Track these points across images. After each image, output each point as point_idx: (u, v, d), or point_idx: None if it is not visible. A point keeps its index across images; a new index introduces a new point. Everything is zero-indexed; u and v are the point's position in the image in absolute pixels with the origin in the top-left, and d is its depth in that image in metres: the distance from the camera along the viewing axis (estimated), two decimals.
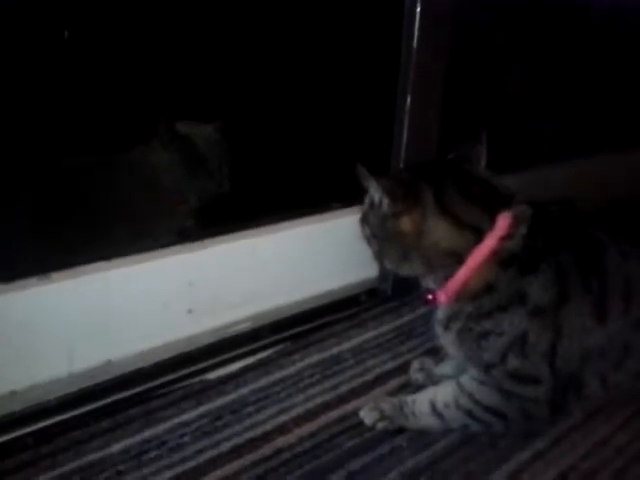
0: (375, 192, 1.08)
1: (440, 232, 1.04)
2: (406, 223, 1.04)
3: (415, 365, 1.28)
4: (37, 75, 1.28)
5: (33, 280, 1.12)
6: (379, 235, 1.10)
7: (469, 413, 1.09)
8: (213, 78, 1.51)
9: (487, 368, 1.06)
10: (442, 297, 1.08)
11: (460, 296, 1.05)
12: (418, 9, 1.34)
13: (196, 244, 1.31)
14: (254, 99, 1.53)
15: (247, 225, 1.39)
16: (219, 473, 1.03)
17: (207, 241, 1.33)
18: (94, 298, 1.17)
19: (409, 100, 1.40)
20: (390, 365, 1.32)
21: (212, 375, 1.26)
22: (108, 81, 1.38)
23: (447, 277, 1.06)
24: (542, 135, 1.99)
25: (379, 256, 1.13)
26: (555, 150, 2.03)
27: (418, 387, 1.22)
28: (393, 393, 1.23)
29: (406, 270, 1.11)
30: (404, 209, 1.04)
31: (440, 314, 1.11)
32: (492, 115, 1.78)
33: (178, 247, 1.29)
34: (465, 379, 1.10)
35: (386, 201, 1.05)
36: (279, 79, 1.54)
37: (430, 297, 1.12)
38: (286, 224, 1.44)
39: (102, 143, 1.39)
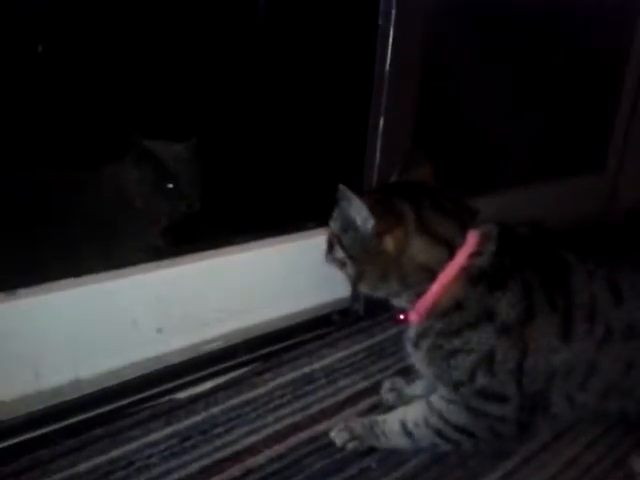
0: (358, 212, 1.04)
1: (418, 248, 1.04)
2: (389, 242, 1.03)
3: (386, 385, 1.29)
4: (6, 88, 1.27)
5: None
6: (357, 257, 1.07)
7: (438, 432, 1.09)
8: (184, 97, 1.51)
9: (456, 386, 1.06)
10: (413, 316, 1.09)
11: (431, 314, 1.06)
12: (391, 31, 1.36)
13: (166, 262, 1.31)
14: (227, 118, 1.54)
15: (219, 243, 1.38)
16: None
17: (177, 259, 1.32)
18: (62, 315, 1.16)
19: (382, 121, 1.41)
20: (361, 385, 1.32)
21: (182, 395, 1.25)
22: (79, 97, 1.38)
23: (419, 295, 1.06)
24: (510, 157, 2.03)
25: (356, 279, 1.10)
26: (524, 173, 2.07)
27: (389, 407, 1.22)
28: (364, 413, 1.23)
29: (382, 291, 1.10)
30: (388, 228, 1.03)
31: (411, 332, 1.11)
32: (462, 136, 1.81)
33: (148, 265, 1.28)
34: (435, 398, 1.11)
35: (371, 221, 1.02)
36: (252, 100, 1.56)
37: (402, 317, 1.12)
38: (258, 243, 1.44)
39: (71, 159, 1.38)
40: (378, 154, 1.44)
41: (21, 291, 1.12)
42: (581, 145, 2.23)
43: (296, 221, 1.50)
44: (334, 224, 1.12)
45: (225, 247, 1.39)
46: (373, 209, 1.02)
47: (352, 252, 1.08)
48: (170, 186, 1.45)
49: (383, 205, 1.04)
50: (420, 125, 1.49)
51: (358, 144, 1.47)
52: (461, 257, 1.03)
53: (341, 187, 1.04)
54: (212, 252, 1.37)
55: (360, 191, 1.08)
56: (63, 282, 1.17)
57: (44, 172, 1.36)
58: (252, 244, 1.43)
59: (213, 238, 1.40)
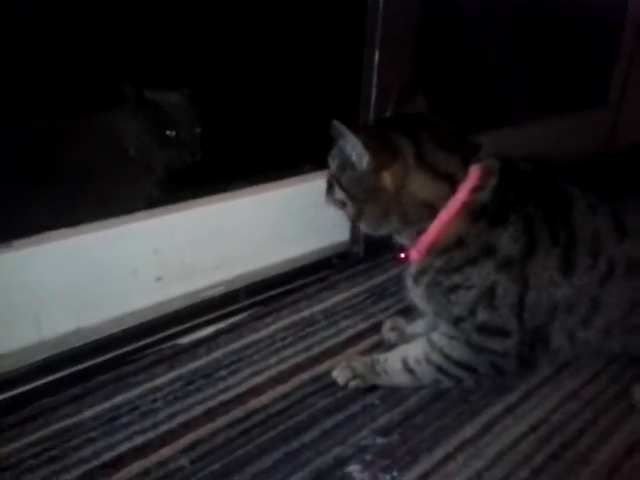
0: (353, 149, 1.02)
1: (418, 183, 1.02)
2: (387, 178, 1.02)
3: (387, 325, 1.29)
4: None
5: None
6: (357, 196, 1.06)
7: (439, 368, 1.10)
8: (180, 43, 1.47)
9: (456, 322, 1.07)
10: (414, 254, 1.08)
11: (431, 250, 1.05)
12: None
13: (163, 210, 1.30)
14: (221, 63, 1.50)
15: (217, 190, 1.37)
16: (192, 436, 1.03)
17: (175, 207, 1.32)
18: (60, 265, 1.16)
19: (377, 55, 1.37)
20: (362, 326, 1.33)
21: (184, 340, 1.25)
22: (75, 42, 1.34)
23: (420, 232, 1.05)
24: (513, 93, 2.00)
25: (356, 219, 1.09)
26: (521, 111, 2.04)
27: (390, 346, 1.22)
28: (365, 353, 1.24)
29: (383, 230, 1.09)
30: (385, 163, 1.01)
31: (412, 269, 1.11)
32: (463, 71, 1.77)
33: (145, 213, 1.28)
34: (435, 335, 1.11)
35: (366, 157, 1.00)
36: (245, 42, 1.51)
37: (402, 255, 1.12)
38: (255, 188, 1.43)
39: (64, 107, 1.35)
40: (374, 90, 1.40)
41: (17, 242, 1.12)
42: (583, 80, 2.18)
43: (293, 165, 1.48)
44: (332, 164, 1.11)
45: (222, 193, 1.38)
46: (367, 144, 1.00)
47: (351, 192, 1.07)
48: (172, 135, 1.43)
49: (378, 140, 1.02)
50: (419, 60, 1.45)
51: (353, 80, 1.43)
52: (463, 192, 1.02)
53: (335, 123, 1.02)
54: (209, 199, 1.36)
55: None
56: (59, 232, 1.16)
57: (37, 121, 1.34)
58: (249, 190, 1.42)
59: (209, 185, 1.38)
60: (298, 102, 1.58)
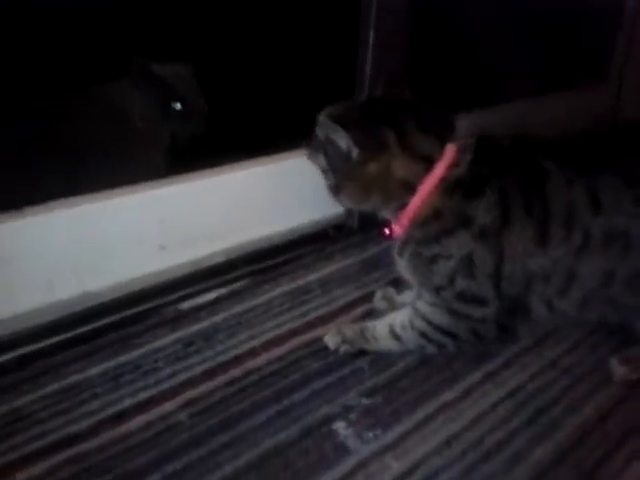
0: (342, 141, 1.07)
1: (399, 166, 1.08)
2: (372, 166, 1.07)
3: (378, 294, 1.35)
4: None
5: (7, 215, 1.16)
6: (340, 173, 1.11)
7: (423, 334, 1.16)
8: (185, 19, 1.50)
9: (437, 290, 1.13)
10: (397, 228, 1.14)
11: (412, 224, 1.11)
12: None
13: (167, 180, 1.35)
14: (224, 37, 1.53)
15: (217, 162, 1.42)
16: (192, 393, 1.10)
17: (177, 178, 1.37)
18: (67, 232, 1.22)
19: (372, 34, 1.40)
20: (355, 295, 1.39)
21: (186, 305, 1.32)
22: (81, 14, 1.37)
23: (401, 208, 1.11)
24: (511, 69, 2.01)
25: (335, 191, 1.14)
26: (510, 89, 2.05)
27: (381, 315, 1.28)
28: (357, 320, 1.30)
29: (364, 206, 1.16)
30: (372, 156, 1.06)
31: (397, 242, 1.17)
32: (460, 48, 1.79)
33: (149, 183, 1.33)
34: (419, 303, 1.17)
35: (356, 151, 1.06)
36: (247, 17, 1.54)
37: (387, 231, 1.17)
38: (256, 161, 1.48)
39: (74, 78, 1.39)
40: (369, 68, 1.44)
41: (28, 210, 1.18)
42: (583, 56, 2.19)
43: (291, 138, 1.52)
44: (320, 131, 1.14)
45: (223, 165, 1.43)
46: (357, 140, 1.05)
47: (334, 166, 1.12)
48: (178, 107, 1.48)
49: (367, 136, 1.07)
50: (413, 38, 1.48)
51: (348, 59, 1.47)
52: (439, 169, 1.07)
53: (321, 119, 1.07)
54: (211, 171, 1.41)
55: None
56: (68, 200, 1.22)
57: (45, 91, 1.38)
58: (249, 162, 1.47)
59: (212, 158, 1.43)
60: (295, 79, 1.62)
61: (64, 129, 1.39)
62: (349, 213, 1.61)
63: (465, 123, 1.15)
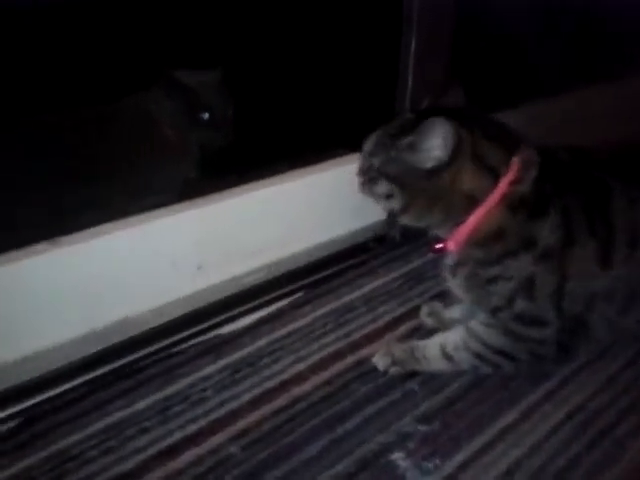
0: (438, 131, 0.98)
1: (469, 175, 1.03)
2: (445, 177, 1.02)
3: (425, 309, 1.31)
4: (30, 17, 1.24)
5: (42, 246, 1.13)
6: (410, 187, 1.05)
7: (478, 355, 1.12)
8: (214, 24, 1.46)
9: (494, 311, 1.08)
10: (451, 245, 1.09)
11: (470, 242, 1.06)
12: None
13: (200, 200, 1.31)
14: (257, 45, 1.49)
15: (252, 176, 1.38)
16: (242, 423, 1.07)
17: (212, 195, 1.33)
18: (101, 260, 1.18)
19: (414, 43, 1.36)
20: (400, 311, 1.35)
21: (226, 329, 1.29)
22: (106, 26, 1.34)
23: (458, 224, 1.06)
24: (542, 69, 1.95)
25: (403, 211, 1.08)
26: (555, 84, 1.99)
27: (429, 331, 1.25)
28: (404, 338, 1.26)
29: (424, 222, 1.10)
30: (457, 155, 1.00)
31: (449, 260, 1.13)
32: (497, 54, 1.74)
33: (182, 205, 1.29)
34: (474, 323, 1.13)
35: (452, 143, 0.98)
36: (282, 24, 1.50)
37: (439, 246, 1.13)
38: (292, 173, 1.43)
39: (93, 96, 1.36)
40: (410, 78, 1.39)
41: (62, 239, 1.15)
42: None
43: (328, 149, 1.48)
44: (374, 158, 1.10)
45: (258, 180, 1.39)
46: (456, 132, 0.99)
47: (405, 182, 1.06)
48: (205, 116, 1.44)
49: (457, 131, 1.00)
50: (456, 47, 1.43)
51: (390, 68, 1.42)
52: (503, 185, 1.02)
53: (432, 120, 0.99)
54: (246, 186, 1.37)
55: (392, 117, 1.05)
56: (98, 228, 1.19)
57: (72, 113, 1.35)
58: (285, 175, 1.42)
59: (246, 171, 1.39)
60: (336, 87, 1.57)
61: (92, 149, 1.35)
62: (390, 224, 1.56)
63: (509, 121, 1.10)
